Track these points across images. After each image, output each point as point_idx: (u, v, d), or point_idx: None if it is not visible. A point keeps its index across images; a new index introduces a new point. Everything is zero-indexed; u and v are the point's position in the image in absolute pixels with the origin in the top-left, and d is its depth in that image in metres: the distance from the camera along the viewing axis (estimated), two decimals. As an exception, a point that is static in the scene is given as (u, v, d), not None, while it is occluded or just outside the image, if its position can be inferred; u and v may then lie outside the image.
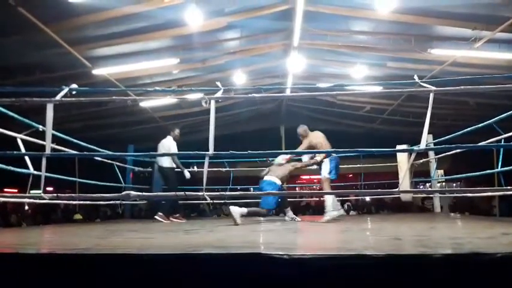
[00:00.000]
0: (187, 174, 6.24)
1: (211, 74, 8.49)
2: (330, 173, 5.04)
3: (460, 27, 6.23)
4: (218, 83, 3.51)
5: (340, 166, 8.36)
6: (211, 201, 7.38)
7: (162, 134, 6.38)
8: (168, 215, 5.81)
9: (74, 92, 3.33)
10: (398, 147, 5.44)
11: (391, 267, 1.63)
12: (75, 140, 5.37)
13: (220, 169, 6.43)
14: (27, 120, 4.44)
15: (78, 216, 8.92)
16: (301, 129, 5.37)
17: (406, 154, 5.35)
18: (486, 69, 7.15)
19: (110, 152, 5.53)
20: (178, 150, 6.23)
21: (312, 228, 4.19)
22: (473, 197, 8.40)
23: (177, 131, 6.35)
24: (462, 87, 3.42)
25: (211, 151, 3.19)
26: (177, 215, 6.07)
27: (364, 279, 1.62)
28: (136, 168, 7.67)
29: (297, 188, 9.42)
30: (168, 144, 6.14)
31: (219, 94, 3.42)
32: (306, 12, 6.28)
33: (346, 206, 10.59)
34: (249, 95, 4.09)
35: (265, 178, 5.25)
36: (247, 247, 2.29)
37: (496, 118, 4.57)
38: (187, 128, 11.13)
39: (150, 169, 7.23)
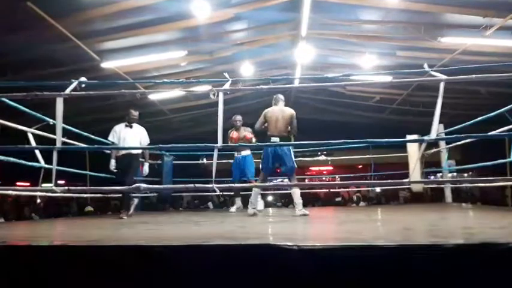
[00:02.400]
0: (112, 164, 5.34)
1: (219, 65, 8.47)
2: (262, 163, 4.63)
3: (470, 14, 6.11)
4: (226, 74, 3.49)
5: (350, 157, 8.44)
6: (221, 193, 7.42)
7: (170, 126, 6.37)
8: (128, 210, 5.15)
9: (83, 86, 3.35)
10: (409, 137, 5.39)
11: (402, 257, 1.62)
12: (85, 133, 5.40)
13: (229, 161, 6.43)
14: (37, 114, 4.48)
15: (89, 209, 9.02)
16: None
17: (416, 144, 5.31)
18: (498, 57, 7.02)
19: (120, 145, 5.54)
20: (186, 142, 6.18)
21: (321, 219, 4.19)
22: (485, 187, 8.33)
23: (133, 114, 5.61)
24: (473, 76, 3.36)
25: (220, 143, 3.19)
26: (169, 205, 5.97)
27: (375, 269, 1.61)
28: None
29: (306, 180, 9.38)
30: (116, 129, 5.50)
31: (227, 86, 3.40)
32: (314, 1, 6.21)
33: (355, 197, 10.60)
34: (257, 87, 4.07)
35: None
36: (257, 238, 2.30)
37: (508, 107, 4.50)
38: (196, 120, 11.15)
39: (160, 161, 7.26)
